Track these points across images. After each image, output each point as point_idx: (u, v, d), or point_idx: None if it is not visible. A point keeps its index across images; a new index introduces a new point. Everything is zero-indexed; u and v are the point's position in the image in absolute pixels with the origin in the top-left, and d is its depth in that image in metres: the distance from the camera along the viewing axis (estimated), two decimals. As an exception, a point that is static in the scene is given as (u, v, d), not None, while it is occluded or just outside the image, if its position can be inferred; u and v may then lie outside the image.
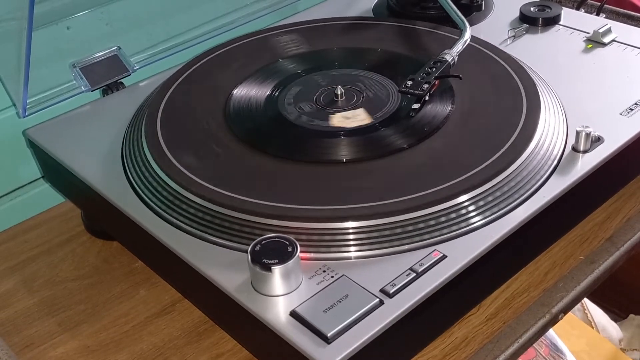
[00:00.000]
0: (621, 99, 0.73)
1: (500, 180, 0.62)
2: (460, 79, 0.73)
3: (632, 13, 0.96)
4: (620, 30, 0.84)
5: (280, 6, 0.99)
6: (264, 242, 0.55)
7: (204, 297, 0.62)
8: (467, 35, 0.79)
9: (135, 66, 0.86)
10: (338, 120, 0.71)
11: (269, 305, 0.54)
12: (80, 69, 0.83)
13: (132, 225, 0.65)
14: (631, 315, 1.35)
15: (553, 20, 0.88)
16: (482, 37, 0.83)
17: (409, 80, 0.72)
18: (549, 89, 0.75)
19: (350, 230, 0.58)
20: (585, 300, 1.30)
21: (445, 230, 0.59)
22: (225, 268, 0.58)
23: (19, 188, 0.89)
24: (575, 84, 0.76)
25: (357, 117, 0.71)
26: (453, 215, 0.59)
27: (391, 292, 0.54)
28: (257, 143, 0.69)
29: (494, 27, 0.88)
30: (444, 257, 0.57)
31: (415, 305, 0.54)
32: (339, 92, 0.74)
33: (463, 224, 0.59)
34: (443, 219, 0.59)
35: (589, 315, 1.29)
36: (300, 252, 0.55)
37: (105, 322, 0.68)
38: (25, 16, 0.72)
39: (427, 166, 0.64)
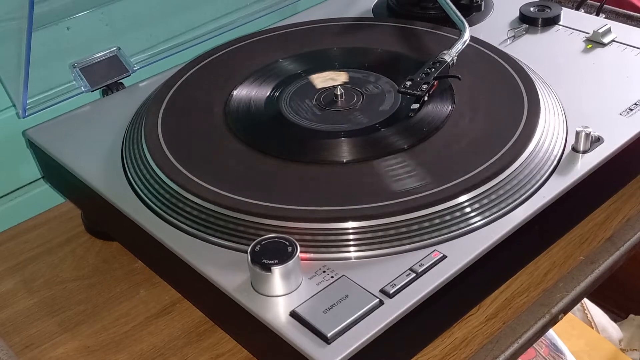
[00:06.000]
0: (621, 99, 0.73)
1: (500, 181, 0.62)
2: (460, 79, 0.73)
3: (632, 13, 0.96)
4: (620, 30, 0.84)
5: (280, 6, 0.99)
6: (263, 242, 0.55)
7: (204, 297, 0.62)
8: (466, 36, 0.79)
9: (135, 66, 0.86)
10: (321, 81, 0.71)
11: (268, 306, 0.54)
12: (80, 69, 0.83)
13: (132, 225, 0.65)
14: (631, 316, 1.35)
15: (553, 21, 0.88)
16: (481, 37, 0.83)
17: (408, 80, 0.72)
18: (549, 89, 0.75)
19: (350, 231, 0.58)
20: (585, 300, 1.30)
21: (445, 231, 0.59)
22: (225, 268, 0.58)
23: (19, 188, 0.89)
24: (575, 84, 0.76)
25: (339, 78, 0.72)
26: (453, 215, 0.59)
27: (391, 292, 0.54)
28: (257, 143, 0.69)
29: (493, 27, 0.88)
30: (444, 257, 0.57)
31: (415, 306, 0.54)
32: (339, 92, 0.74)
33: (463, 224, 0.59)
34: (443, 219, 0.59)
35: (589, 315, 1.29)
36: (300, 252, 0.55)
37: (105, 322, 0.68)
38: (25, 16, 0.72)
39: (426, 166, 0.64)
